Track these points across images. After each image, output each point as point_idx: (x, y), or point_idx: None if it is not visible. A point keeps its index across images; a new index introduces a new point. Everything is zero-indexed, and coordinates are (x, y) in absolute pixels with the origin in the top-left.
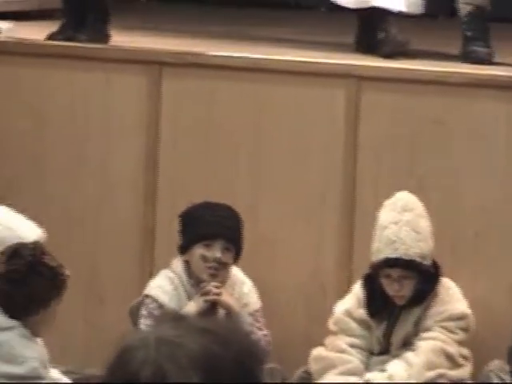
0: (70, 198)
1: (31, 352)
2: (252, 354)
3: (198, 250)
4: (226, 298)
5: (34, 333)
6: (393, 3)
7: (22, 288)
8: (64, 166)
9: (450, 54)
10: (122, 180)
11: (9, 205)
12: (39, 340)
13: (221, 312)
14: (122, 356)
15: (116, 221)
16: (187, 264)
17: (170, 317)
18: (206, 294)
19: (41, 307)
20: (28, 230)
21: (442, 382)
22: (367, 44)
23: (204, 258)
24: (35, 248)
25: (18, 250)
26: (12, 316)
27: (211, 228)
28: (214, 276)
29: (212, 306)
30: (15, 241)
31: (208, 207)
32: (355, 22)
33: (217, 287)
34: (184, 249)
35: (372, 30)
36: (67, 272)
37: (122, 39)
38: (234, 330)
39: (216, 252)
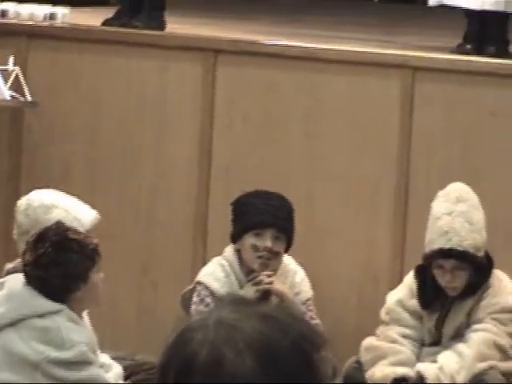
0: (124, 184)
1: (79, 336)
2: (310, 341)
3: (249, 240)
4: (278, 286)
5: (81, 310)
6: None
7: (55, 269)
8: (119, 151)
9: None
10: (176, 167)
11: (65, 188)
12: (88, 324)
13: (274, 300)
14: (182, 336)
15: (170, 207)
16: (239, 252)
17: (230, 300)
18: (258, 283)
19: (80, 281)
20: (84, 212)
21: (493, 373)
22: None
23: (255, 248)
24: (57, 227)
25: (41, 235)
26: (55, 299)
27: (261, 217)
28: (264, 265)
29: (264, 296)
30: (72, 223)
31: (259, 196)
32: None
33: (268, 276)
34: (235, 237)
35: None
36: (95, 240)
37: (177, 26)
38: (293, 315)
39: (266, 241)
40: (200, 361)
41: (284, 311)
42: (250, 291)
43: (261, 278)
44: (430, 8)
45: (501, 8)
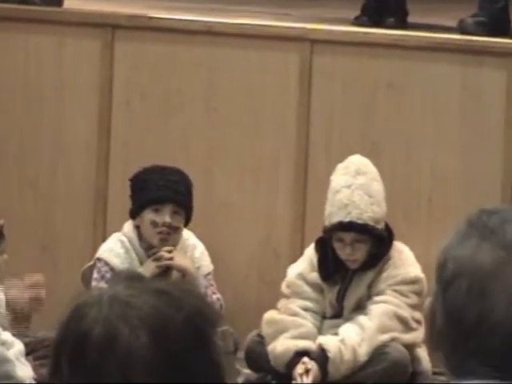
0: (23, 160)
1: None
2: (204, 316)
3: (148, 215)
4: (180, 260)
5: None
6: None
7: None
8: (18, 127)
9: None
10: (76, 143)
11: None
12: None
13: (176, 275)
14: (76, 313)
15: (69, 183)
16: (138, 228)
17: (126, 276)
18: (158, 259)
19: None
20: None
21: (395, 345)
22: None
23: (154, 223)
24: None
25: None
26: None
27: (159, 192)
28: (164, 241)
29: (165, 271)
30: None
31: (156, 171)
32: None
33: (169, 251)
34: (134, 213)
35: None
36: (1, 221)
37: (75, 2)
38: (188, 291)
39: (165, 216)
40: (94, 337)
41: (179, 287)
42: (150, 267)
43: (161, 253)
44: None
45: None
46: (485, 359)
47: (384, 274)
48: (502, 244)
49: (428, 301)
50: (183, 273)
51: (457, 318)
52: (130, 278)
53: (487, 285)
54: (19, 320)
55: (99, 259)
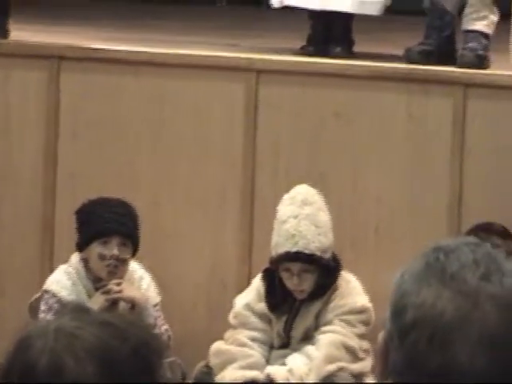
0: None
1: None
2: (151, 347)
3: (95, 248)
4: (129, 292)
5: None
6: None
7: None
8: None
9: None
10: (22, 174)
11: None
12: None
13: (123, 306)
14: (21, 344)
15: (17, 215)
16: (85, 260)
17: (72, 308)
18: (107, 292)
19: None
20: None
21: (343, 375)
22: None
23: (102, 256)
24: None
25: None
26: None
27: (106, 225)
28: (112, 273)
29: (113, 303)
30: None
31: (102, 203)
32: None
33: (117, 284)
34: (81, 246)
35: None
36: None
37: (21, 34)
38: (134, 323)
39: (113, 249)
40: (41, 368)
41: (124, 318)
42: (99, 300)
43: (110, 286)
44: (276, 10)
45: (344, 9)
46: None
47: (331, 304)
48: (463, 292)
49: (380, 337)
50: (132, 304)
51: (418, 367)
52: (76, 309)
53: (449, 335)
54: None
55: (46, 291)
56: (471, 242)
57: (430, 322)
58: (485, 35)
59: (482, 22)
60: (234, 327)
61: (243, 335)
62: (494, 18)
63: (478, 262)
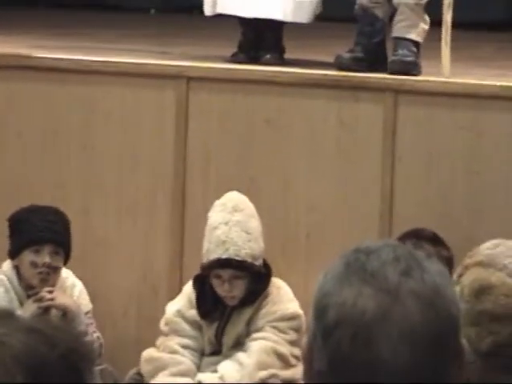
0: None
1: None
2: (80, 354)
3: (27, 256)
4: (61, 299)
5: None
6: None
7: None
8: None
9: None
10: None
11: None
12: None
13: (55, 313)
14: None
15: None
16: (17, 268)
17: None
18: (40, 300)
19: None
20: None
21: (274, 381)
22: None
23: (33, 264)
24: None
25: None
26: None
27: (38, 233)
28: (44, 281)
29: (45, 311)
30: None
31: (34, 211)
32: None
33: (49, 292)
34: (13, 254)
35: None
36: None
37: None
38: (62, 329)
39: (45, 257)
40: None
41: (52, 325)
42: (31, 308)
43: (42, 294)
44: (208, 18)
45: (275, 16)
46: None
47: (263, 311)
48: (384, 288)
49: (305, 338)
50: (64, 312)
51: (341, 366)
52: (3, 316)
53: (372, 332)
54: None
55: None
56: (391, 243)
57: (352, 321)
58: (415, 43)
59: (413, 29)
60: (166, 334)
61: (174, 342)
62: (425, 26)
63: (398, 258)
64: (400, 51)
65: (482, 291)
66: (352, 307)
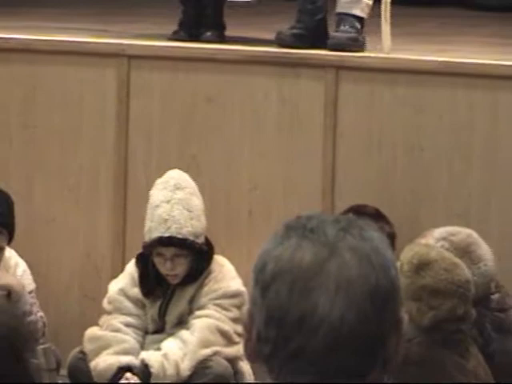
0: None
1: None
2: (18, 334)
3: None
4: (5, 279)
5: None
6: None
7: None
8: None
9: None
10: None
11: None
12: None
13: (0, 293)
14: None
15: None
16: None
17: None
18: None
19: None
20: None
21: (218, 358)
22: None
23: None
24: None
25: None
26: None
27: None
28: None
29: None
30: None
31: None
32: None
33: None
34: None
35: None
36: None
37: None
38: (3, 309)
39: None
40: None
41: None
42: None
43: None
44: None
45: None
46: (308, 359)
47: (205, 289)
48: (322, 241)
49: (245, 309)
50: (9, 291)
51: (278, 319)
52: None
53: (308, 282)
54: None
55: None
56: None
57: (290, 271)
58: (359, 19)
59: (357, 5)
60: (109, 312)
61: (117, 320)
62: (369, 1)
63: (338, 219)
64: (342, 27)
65: (421, 266)
66: (290, 259)
